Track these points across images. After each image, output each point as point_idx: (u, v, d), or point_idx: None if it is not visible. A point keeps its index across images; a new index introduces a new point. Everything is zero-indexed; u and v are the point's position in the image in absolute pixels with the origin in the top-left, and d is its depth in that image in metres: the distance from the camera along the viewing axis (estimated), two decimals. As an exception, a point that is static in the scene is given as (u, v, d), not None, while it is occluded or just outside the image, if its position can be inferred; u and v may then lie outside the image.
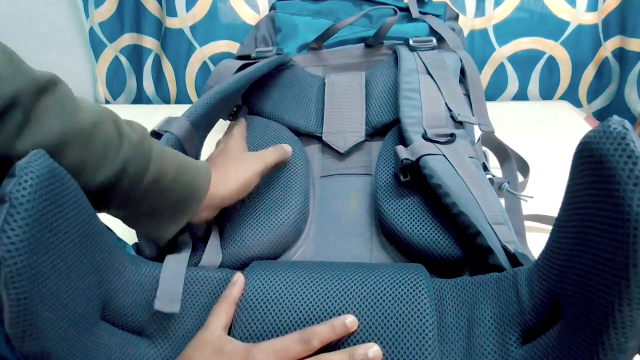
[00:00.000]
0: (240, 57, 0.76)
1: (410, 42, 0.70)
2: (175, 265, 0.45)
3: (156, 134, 0.52)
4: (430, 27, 0.77)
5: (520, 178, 0.69)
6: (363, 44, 0.76)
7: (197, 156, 0.57)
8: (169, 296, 0.42)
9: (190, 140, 0.53)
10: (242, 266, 0.47)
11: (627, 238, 0.26)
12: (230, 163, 0.51)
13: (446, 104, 0.59)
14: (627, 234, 0.26)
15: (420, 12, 0.81)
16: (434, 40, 0.70)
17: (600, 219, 0.28)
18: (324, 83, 0.71)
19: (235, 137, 0.58)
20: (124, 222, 0.45)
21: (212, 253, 0.49)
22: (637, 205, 0.26)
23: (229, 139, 0.57)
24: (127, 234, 0.47)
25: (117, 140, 0.40)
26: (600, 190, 0.28)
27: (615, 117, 0.28)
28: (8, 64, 0.34)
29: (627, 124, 0.28)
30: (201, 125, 0.56)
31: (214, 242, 0.50)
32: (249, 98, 0.69)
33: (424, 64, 0.66)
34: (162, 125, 0.53)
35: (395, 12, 0.74)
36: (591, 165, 0.29)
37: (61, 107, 0.36)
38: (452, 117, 0.58)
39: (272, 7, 0.90)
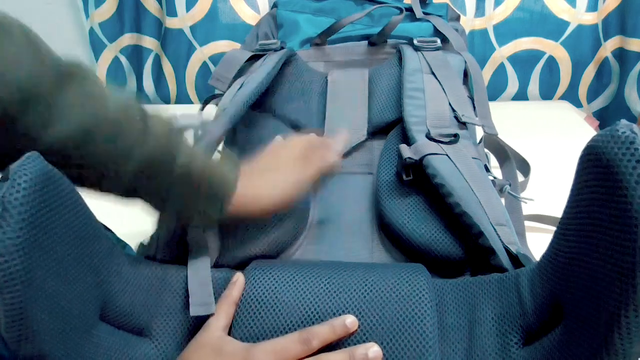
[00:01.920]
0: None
1: (415, 41, 0.70)
2: (200, 268, 0.45)
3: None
4: (435, 28, 0.77)
5: (521, 177, 0.69)
6: (366, 42, 0.76)
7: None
8: (201, 300, 0.42)
9: (221, 141, 0.55)
10: (241, 265, 0.47)
11: (635, 244, 0.26)
12: (268, 173, 0.47)
13: (450, 104, 0.59)
14: (635, 239, 0.26)
15: (423, 13, 0.81)
16: (438, 41, 0.71)
17: (606, 223, 0.28)
18: (327, 80, 0.70)
19: (301, 139, 0.52)
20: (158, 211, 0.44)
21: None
22: None
23: (295, 139, 0.52)
24: (127, 235, 0.47)
25: (145, 133, 0.39)
26: (607, 195, 0.28)
27: (624, 121, 0.28)
28: (30, 52, 0.33)
29: (636, 128, 0.27)
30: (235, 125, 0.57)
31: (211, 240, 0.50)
32: None
33: (428, 64, 0.66)
34: (200, 127, 0.53)
35: (401, 11, 0.74)
36: (598, 169, 0.29)
37: (89, 98, 0.36)
38: (455, 117, 0.58)
39: (274, 5, 0.90)
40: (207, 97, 0.72)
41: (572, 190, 0.33)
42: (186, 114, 0.54)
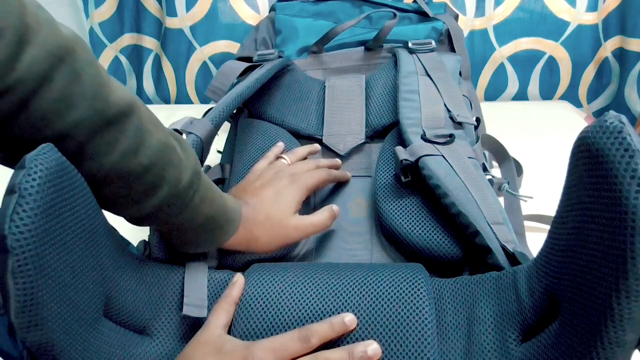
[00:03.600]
0: (240, 59, 0.76)
1: (410, 44, 0.71)
2: (198, 270, 0.45)
3: (179, 134, 0.52)
4: (439, 29, 0.77)
5: (516, 178, 0.69)
6: (363, 47, 0.76)
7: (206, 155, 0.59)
8: (195, 302, 0.42)
9: (209, 142, 0.55)
10: (242, 268, 0.48)
11: (625, 231, 0.26)
12: (268, 224, 0.48)
13: (445, 105, 0.59)
14: (625, 226, 0.26)
15: (424, 13, 0.82)
16: (433, 43, 0.71)
17: (597, 213, 0.28)
18: (325, 86, 0.71)
19: (300, 184, 0.52)
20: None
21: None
22: (635, 198, 0.26)
23: (295, 182, 0.52)
24: (130, 234, 0.47)
25: (164, 184, 0.38)
26: (598, 185, 0.28)
27: (612, 112, 0.28)
28: (85, 88, 0.32)
29: (624, 118, 0.28)
30: (219, 127, 0.58)
31: None
32: (249, 101, 0.69)
33: (423, 66, 0.66)
34: (186, 126, 0.53)
35: (395, 16, 0.74)
36: (588, 160, 0.29)
37: (121, 145, 0.35)
38: (451, 118, 0.58)
39: (272, 9, 0.90)
40: (207, 110, 0.73)
41: (565, 184, 0.33)
42: (178, 121, 0.55)
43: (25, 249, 0.29)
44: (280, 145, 0.60)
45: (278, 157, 0.58)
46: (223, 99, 0.59)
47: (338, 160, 0.61)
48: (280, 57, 0.73)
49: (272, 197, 0.50)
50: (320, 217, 0.51)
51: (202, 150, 0.54)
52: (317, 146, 0.62)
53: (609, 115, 0.28)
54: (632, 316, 0.26)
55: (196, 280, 0.44)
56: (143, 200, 0.38)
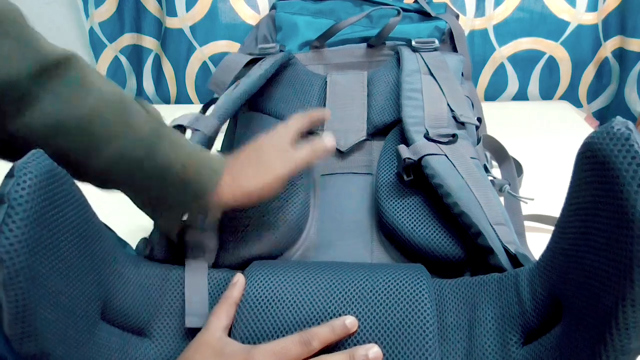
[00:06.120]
0: (242, 55, 0.76)
1: (413, 43, 0.70)
2: (197, 276, 0.45)
3: (183, 130, 0.53)
4: (441, 28, 0.77)
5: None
6: (365, 44, 0.76)
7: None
8: (197, 311, 0.42)
9: (213, 139, 0.55)
10: (242, 266, 0.47)
11: (632, 239, 0.26)
12: (255, 161, 0.46)
13: (448, 104, 0.59)
14: (632, 235, 0.26)
15: (425, 13, 0.81)
16: (436, 42, 0.71)
17: (603, 219, 0.28)
18: (326, 81, 0.71)
19: (287, 128, 0.50)
20: (140, 208, 0.44)
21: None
22: None
23: (280, 127, 0.50)
24: (127, 235, 0.47)
25: (120, 131, 0.39)
26: (604, 191, 0.28)
27: (619, 118, 0.28)
28: (16, 40, 0.34)
29: (631, 124, 0.28)
30: (224, 123, 0.58)
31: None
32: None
33: (426, 64, 0.66)
34: (192, 122, 0.54)
35: (399, 13, 0.74)
36: (594, 166, 0.29)
37: (67, 91, 0.36)
38: (454, 117, 0.58)
39: (273, 7, 0.90)
40: (207, 101, 0.72)
41: (570, 188, 0.33)
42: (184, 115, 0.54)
43: (16, 261, 0.29)
44: None
45: None
46: (229, 97, 0.59)
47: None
48: (281, 51, 0.73)
49: (261, 139, 0.49)
50: (303, 150, 0.48)
51: (208, 148, 0.54)
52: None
53: (616, 121, 0.28)
54: (637, 325, 0.26)
55: (197, 287, 0.44)
56: (101, 147, 0.38)
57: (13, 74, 0.33)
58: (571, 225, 0.32)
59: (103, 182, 0.41)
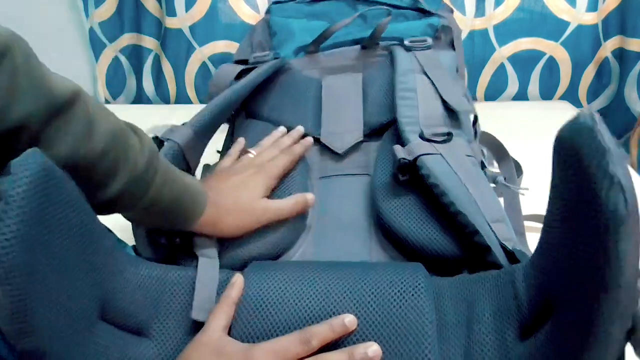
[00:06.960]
0: (237, 62, 0.76)
1: (406, 42, 0.70)
2: (208, 270, 0.45)
3: (159, 141, 0.53)
4: (436, 25, 0.77)
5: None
6: (359, 46, 0.76)
7: (199, 160, 0.59)
8: (205, 306, 0.42)
9: (192, 148, 0.55)
10: (241, 267, 0.47)
11: (602, 229, 0.26)
12: (235, 208, 0.49)
13: (443, 100, 0.59)
14: (600, 225, 0.26)
15: (419, 9, 0.82)
16: (429, 40, 0.71)
17: (579, 211, 0.29)
18: (321, 85, 0.71)
19: (266, 173, 0.53)
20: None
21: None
22: (607, 197, 0.26)
23: (261, 171, 0.53)
24: (127, 235, 0.47)
25: (122, 168, 0.40)
26: (576, 183, 0.29)
27: (584, 110, 0.29)
28: (27, 80, 0.33)
29: (596, 115, 0.28)
30: (204, 132, 0.58)
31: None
32: (246, 102, 0.69)
33: (419, 63, 0.66)
34: (165, 133, 0.54)
35: (389, 13, 0.74)
36: (566, 159, 0.30)
37: (77, 132, 0.36)
38: (449, 109, 0.58)
39: (268, 11, 0.90)
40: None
41: (551, 183, 0.33)
42: (159, 126, 0.55)
43: (12, 256, 0.29)
44: (241, 140, 0.62)
45: (243, 153, 0.59)
46: (207, 104, 0.60)
47: (300, 130, 0.62)
48: (275, 59, 0.73)
49: (239, 183, 0.51)
50: (287, 201, 0.52)
51: (184, 156, 0.54)
52: (282, 129, 0.62)
53: (581, 113, 0.29)
54: (620, 314, 0.26)
55: (207, 282, 0.44)
56: (104, 185, 0.39)
57: (27, 115, 0.33)
58: (555, 219, 0.33)
59: (108, 208, 0.42)
